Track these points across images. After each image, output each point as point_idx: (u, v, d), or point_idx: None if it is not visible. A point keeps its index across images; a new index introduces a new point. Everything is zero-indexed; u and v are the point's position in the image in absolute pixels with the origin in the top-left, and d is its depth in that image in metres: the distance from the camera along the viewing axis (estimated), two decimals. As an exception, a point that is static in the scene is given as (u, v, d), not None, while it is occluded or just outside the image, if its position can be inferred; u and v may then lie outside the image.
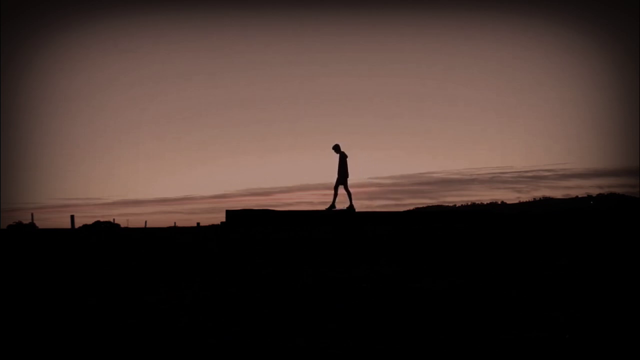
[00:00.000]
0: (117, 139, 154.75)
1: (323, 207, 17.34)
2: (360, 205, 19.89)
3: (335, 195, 17.13)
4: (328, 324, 5.40)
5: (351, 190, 17.15)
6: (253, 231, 15.41)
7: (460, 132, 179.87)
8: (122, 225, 46.32)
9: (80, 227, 35.70)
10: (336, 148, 17.12)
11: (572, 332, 4.88)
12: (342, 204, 17.59)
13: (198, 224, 33.27)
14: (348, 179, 17.06)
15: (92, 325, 5.58)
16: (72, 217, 23.81)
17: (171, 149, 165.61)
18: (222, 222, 17.02)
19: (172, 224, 43.61)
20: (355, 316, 5.76)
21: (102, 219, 46.66)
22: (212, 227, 27.18)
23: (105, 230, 33.25)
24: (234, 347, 4.64)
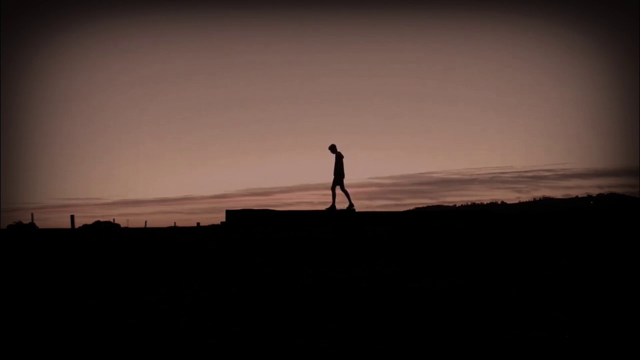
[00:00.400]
0: (117, 139, 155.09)
1: (323, 207, 17.33)
2: (360, 205, 19.90)
3: (334, 195, 17.12)
4: (328, 324, 5.40)
5: (351, 190, 17.14)
6: (253, 231, 15.40)
7: (460, 132, 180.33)
8: (122, 225, 46.34)
9: (80, 227, 35.70)
10: (332, 148, 17.06)
11: (572, 332, 4.88)
12: (341, 204, 17.58)
13: (198, 224, 33.28)
14: (344, 179, 17.03)
15: (92, 325, 5.58)
16: (72, 217, 23.82)
17: (171, 149, 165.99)
18: (222, 222, 17.02)
19: (172, 224, 43.63)
20: (355, 316, 5.76)
21: (102, 219, 46.69)
22: (212, 227, 27.18)
23: (105, 230, 33.24)
24: (234, 347, 4.64)
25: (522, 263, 10.00)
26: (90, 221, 46.63)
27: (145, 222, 44.44)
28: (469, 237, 14.92)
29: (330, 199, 17.17)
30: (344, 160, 17.04)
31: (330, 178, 17.27)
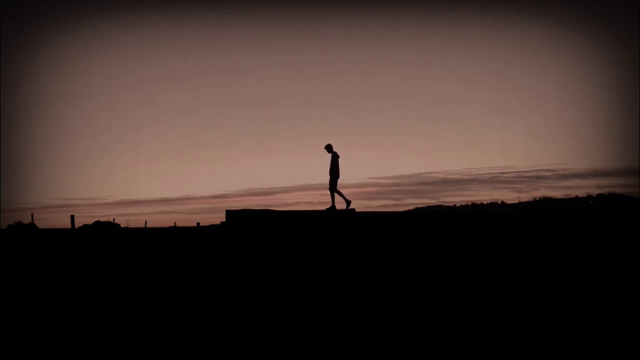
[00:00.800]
0: (117, 139, 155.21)
1: (323, 207, 17.34)
2: (360, 205, 19.91)
3: (332, 195, 17.13)
4: (328, 324, 5.40)
5: (351, 190, 17.18)
6: (253, 231, 15.41)
7: (460, 132, 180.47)
8: (122, 225, 46.34)
9: (80, 227, 35.69)
10: (328, 148, 17.02)
11: (572, 332, 4.88)
12: (341, 204, 17.58)
13: (198, 224, 33.30)
14: (339, 179, 17.00)
15: (92, 325, 5.58)
16: (72, 217, 23.83)
17: (171, 149, 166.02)
18: (222, 222, 17.05)
19: (172, 224, 43.62)
20: (355, 316, 5.76)
21: (102, 219, 46.75)
22: (212, 227, 27.19)
23: (105, 230, 33.24)
24: (233, 347, 4.64)
25: (522, 263, 10.00)
26: (90, 221, 46.71)
27: (145, 222, 44.47)
28: (469, 237, 14.92)
29: (330, 200, 17.19)
30: (339, 160, 17.04)
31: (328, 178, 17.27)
